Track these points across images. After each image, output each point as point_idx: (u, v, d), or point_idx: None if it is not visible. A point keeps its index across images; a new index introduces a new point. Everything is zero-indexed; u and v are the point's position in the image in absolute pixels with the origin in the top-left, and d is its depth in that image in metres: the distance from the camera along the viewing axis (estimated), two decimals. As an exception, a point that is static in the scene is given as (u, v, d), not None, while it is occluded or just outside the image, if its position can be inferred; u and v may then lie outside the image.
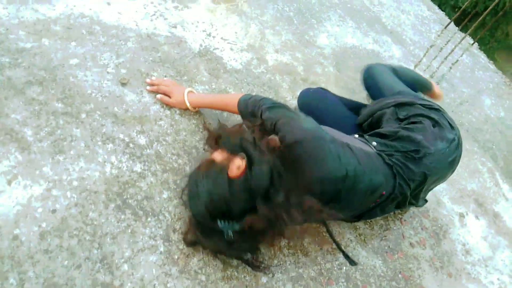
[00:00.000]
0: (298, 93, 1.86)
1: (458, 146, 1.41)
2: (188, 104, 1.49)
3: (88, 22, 1.66)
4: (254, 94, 1.41)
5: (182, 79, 1.65)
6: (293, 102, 1.82)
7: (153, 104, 1.50)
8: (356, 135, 1.41)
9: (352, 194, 1.19)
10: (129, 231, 1.17)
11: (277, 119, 1.21)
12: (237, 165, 1.11)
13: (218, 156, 1.19)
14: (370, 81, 1.73)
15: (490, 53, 4.93)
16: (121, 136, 1.36)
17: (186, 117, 1.52)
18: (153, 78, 1.57)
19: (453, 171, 1.45)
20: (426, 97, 1.68)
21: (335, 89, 2.01)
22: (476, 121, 2.32)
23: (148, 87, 1.53)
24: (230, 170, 1.12)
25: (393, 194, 1.29)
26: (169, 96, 1.51)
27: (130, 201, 1.23)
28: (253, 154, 1.13)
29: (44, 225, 1.09)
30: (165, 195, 1.28)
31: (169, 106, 1.51)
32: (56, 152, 1.23)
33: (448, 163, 1.39)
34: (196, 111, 1.53)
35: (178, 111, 1.52)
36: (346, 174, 1.15)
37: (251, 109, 1.31)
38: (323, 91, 1.67)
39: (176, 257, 1.17)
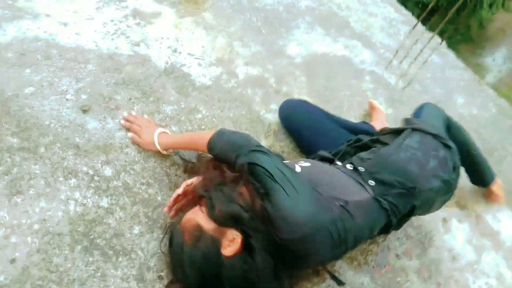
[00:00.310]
0: (271, 106, 1.81)
1: (451, 189, 1.38)
2: (157, 146, 1.35)
3: (43, 46, 1.55)
4: (229, 130, 1.24)
5: (148, 100, 1.56)
6: (266, 116, 1.76)
7: (117, 131, 1.41)
8: (349, 166, 1.32)
9: (351, 249, 1.21)
10: (99, 274, 1.07)
11: (264, 191, 1.04)
12: (231, 240, 1.02)
13: (206, 224, 1.05)
14: (416, 111, 1.70)
15: (454, 46, 5.02)
16: (85, 169, 1.26)
17: (155, 141, 1.43)
18: (133, 112, 1.47)
19: (442, 205, 1.43)
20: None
21: (308, 99, 1.96)
22: (451, 121, 2.33)
23: (122, 121, 1.42)
24: (223, 248, 1.01)
25: (383, 229, 1.26)
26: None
27: (98, 240, 1.13)
28: (249, 228, 1.03)
29: (2, 278, 0.99)
30: (136, 231, 1.19)
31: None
32: (13, 193, 1.13)
33: (439, 202, 1.38)
34: (168, 154, 1.40)
35: (146, 136, 1.43)
36: (346, 248, 1.14)
37: (223, 156, 1.18)
38: (305, 103, 1.65)
39: (152, 299, 1.08)
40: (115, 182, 1.27)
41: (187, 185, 1.20)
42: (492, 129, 2.43)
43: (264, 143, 1.65)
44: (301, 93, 1.98)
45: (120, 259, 1.12)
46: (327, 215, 1.06)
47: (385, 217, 1.21)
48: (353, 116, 2.01)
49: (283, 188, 1.01)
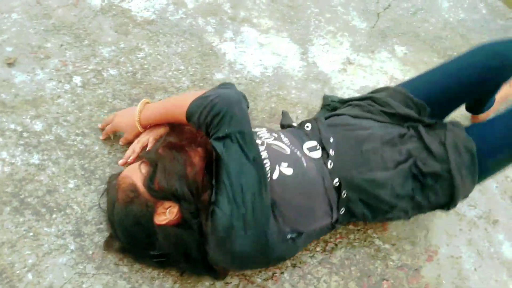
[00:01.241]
0: (226, 35, 1.65)
1: None
2: (138, 126, 1.14)
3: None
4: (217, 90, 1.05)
5: (83, 44, 1.43)
6: (220, 47, 1.61)
7: (48, 81, 1.30)
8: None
9: None
10: (31, 234, 1.02)
11: (214, 197, 0.92)
12: (166, 208, 0.93)
13: (143, 186, 0.94)
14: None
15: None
16: (12, 126, 1.18)
17: (90, 87, 1.33)
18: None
19: None
20: None
21: (270, 22, 1.79)
22: (434, 28, 2.11)
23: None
24: (157, 215, 0.93)
25: None
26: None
27: (29, 199, 1.07)
28: (185, 210, 0.93)
29: None
30: (71, 185, 1.12)
31: (130, 141, 1.19)
32: None
33: None
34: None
35: (79, 83, 1.32)
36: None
37: (203, 123, 0.99)
38: None
39: (90, 252, 1.03)
40: (46, 137, 1.18)
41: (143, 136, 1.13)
42: (481, 32, 2.22)
43: (218, 76, 1.52)
44: (261, 17, 1.80)
45: (54, 216, 1.06)
46: (267, 252, 0.95)
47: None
48: (321, 36, 1.84)
49: (232, 210, 0.88)
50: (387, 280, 1.19)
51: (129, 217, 0.94)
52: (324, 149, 1.09)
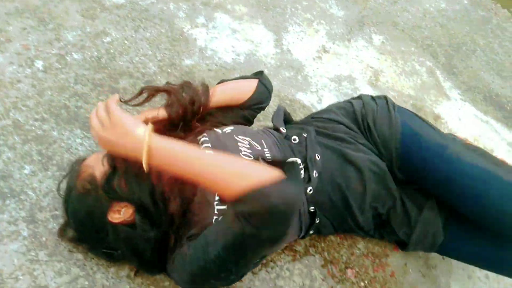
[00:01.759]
0: (198, 21, 1.62)
1: None
2: (143, 159, 0.77)
3: None
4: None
5: (47, 28, 1.39)
6: (191, 33, 1.57)
7: (8, 65, 1.26)
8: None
9: None
10: (-19, 220, 0.99)
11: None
12: (121, 210, 0.89)
13: (102, 180, 0.88)
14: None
15: None
16: (-33, 111, 1.14)
17: (52, 72, 1.29)
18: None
19: None
20: None
21: (245, 9, 1.76)
22: (413, 18, 2.10)
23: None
24: (111, 212, 0.89)
25: None
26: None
27: (-19, 186, 1.04)
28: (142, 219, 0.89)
29: None
30: (26, 170, 1.09)
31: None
32: None
33: None
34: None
35: (41, 67, 1.29)
36: None
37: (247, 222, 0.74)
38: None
39: (44, 239, 1.00)
40: (3, 121, 1.15)
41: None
42: (462, 23, 2.21)
43: (188, 62, 1.49)
44: (235, 3, 1.77)
45: (7, 202, 1.03)
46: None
47: None
48: (297, 23, 1.81)
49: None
50: (351, 268, 1.18)
51: (83, 207, 0.91)
52: (306, 170, 1.02)
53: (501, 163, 1.04)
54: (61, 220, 1.03)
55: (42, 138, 1.15)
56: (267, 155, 1.00)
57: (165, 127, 1.02)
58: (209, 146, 0.98)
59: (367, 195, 1.05)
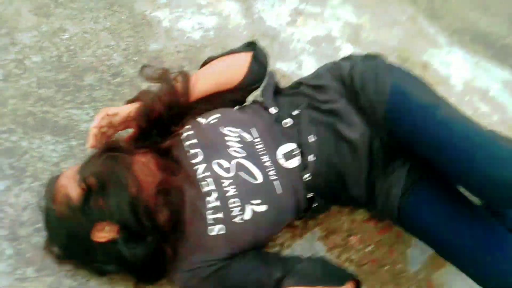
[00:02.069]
0: (159, 1, 1.52)
1: None
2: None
3: None
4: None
5: (0, 33, 1.30)
6: (155, 15, 1.48)
7: (-37, 79, 1.18)
8: None
9: None
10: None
11: None
12: (105, 229, 0.84)
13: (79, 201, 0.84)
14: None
15: None
16: None
17: (12, 79, 1.22)
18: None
19: None
20: None
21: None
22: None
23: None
24: (95, 231, 0.84)
25: None
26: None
27: (-46, 210, 0.98)
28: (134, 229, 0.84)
29: None
30: (1, 186, 1.03)
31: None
32: None
33: None
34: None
35: (1, 76, 1.21)
36: None
37: None
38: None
39: (29, 255, 0.96)
40: (-33, 139, 1.09)
41: (107, 114, 0.93)
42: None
43: (154, 47, 1.41)
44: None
45: (-16, 223, 0.98)
46: None
47: None
48: None
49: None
50: (355, 235, 1.14)
51: (64, 231, 0.87)
52: (302, 156, 0.96)
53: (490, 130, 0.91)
54: (45, 233, 0.98)
55: (11, 151, 1.09)
56: (259, 147, 0.93)
57: (137, 138, 0.96)
58: (194, 143, 0.92)
59: (362, 171, 0.98)
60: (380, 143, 0.98)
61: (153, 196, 0.85)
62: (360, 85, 0.98)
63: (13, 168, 1.07)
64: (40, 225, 0.99)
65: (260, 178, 0.90)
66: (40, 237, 0.98)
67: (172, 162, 0.91)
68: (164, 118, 0.94)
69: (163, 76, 0.96)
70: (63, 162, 1.10)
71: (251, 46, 1.07)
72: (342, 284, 0.88)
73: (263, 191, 0.90)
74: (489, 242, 0.87)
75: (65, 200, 0.85)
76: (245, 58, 1.03)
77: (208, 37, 1.49)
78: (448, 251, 0.94)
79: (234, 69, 1.03)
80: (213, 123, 0.95)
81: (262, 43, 1.52)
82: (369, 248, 1.11)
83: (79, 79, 1.25)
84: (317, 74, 1.10)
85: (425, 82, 1.02)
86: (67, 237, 0.87)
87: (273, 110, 1.01)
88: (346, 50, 1.64)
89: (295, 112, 1.00)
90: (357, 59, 1.06)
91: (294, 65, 1.52)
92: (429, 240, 0.97)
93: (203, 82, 0.99)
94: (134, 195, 0.82)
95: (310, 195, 0.98)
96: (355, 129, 0.96)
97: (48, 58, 1.28)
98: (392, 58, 1.62)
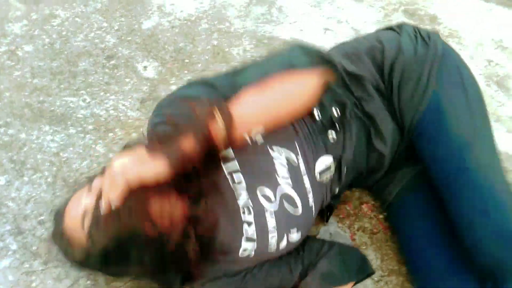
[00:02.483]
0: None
1: None
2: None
3: None
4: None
5: (-10, 25, 1.28)
6: (146, -9, 1.42)
7: (-42, 75, 1.17)
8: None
9: None
10: (-34, 243, 0.94)
11: None
12: None
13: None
14: None
15: None
16: None
17: (6, 71, 1.19)
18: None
19: None
20: None
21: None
22: None
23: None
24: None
25: None
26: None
27: (-44, 208, 0.98)
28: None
29: None
30: (1, 181, 1.02)
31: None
32: None
33: None
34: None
35: (-7, 70, 1.19)
36: None
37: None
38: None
39: (35, 248, 0.95)
40: (-35, 136, 1.08)
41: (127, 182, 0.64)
42: None
43: (148, 24, 1.35)
44: None
45: (-12, 219, 0.97)
46: None
47: None
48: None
49: None
50: (366, 203, 1.08)
51: (87, 268, 0.82)
52: (337, 170, 0.85)
53: None
54: (49, 225, 0.97)
55: (10, 144, 1.08)
56: (302, 168, 0.79)
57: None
58: (236, 169, 0.75)
59: (382, 170, 0.92)
60: (404, 148, 0.90)
61: (181, 232, 0.69)
62: (398, 82, 0.84)
63: (13, 161, 1.05)
64: (44, 217, 0.98)
65: (300, 207, 0.79)
66: (45, 230, 0.97)
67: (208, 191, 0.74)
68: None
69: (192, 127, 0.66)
70: (63, 151, 1.08)
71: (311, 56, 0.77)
72: (360, 280, 0.86)
73: (302, 220, 0.81)
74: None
75: (79, 249, 0.72)
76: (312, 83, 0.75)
77: (202, 8, 1.42)
78: (411, 266, 0.93)
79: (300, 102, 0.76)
80: (259, 144, 0.77)
81: (260, 10, 1.45)
82: (382, 215, 1.05)
83: (74, 65, 1.22)
84: (357, 54, 0.88)
85: (474, 93, 0.85)
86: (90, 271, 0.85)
87: (315, 112, 0.82)
88: (349, 9, 1.53)
89: (339, 118, 0.84)
90: (406, 36, 0.88)
91: (296, 30, 1.43)
92: (401, 246, 0.96)
93: (250, 125, 0.71)
94: (157, 246, 0.68)
95: (337, 192, 0.92)
96: (386, 141, 0.86)
97: (41, 46, 1.25)
98: (398, 14, 1.52)
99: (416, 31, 0.90)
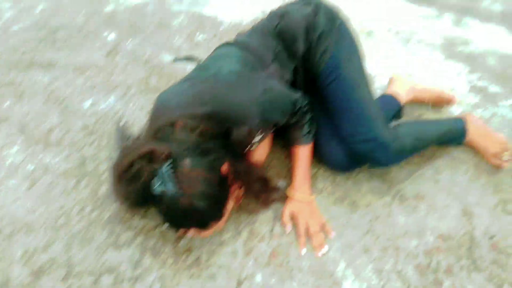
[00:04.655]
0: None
1: None
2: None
3: None
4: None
5: (-14, 14, 1.70)
6: (104, -10, 1.90)
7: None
8: None
9: None
10: None
11: None
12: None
13: None
14: None
15: None
16: None
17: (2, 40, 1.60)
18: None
19: None
20: None
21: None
22: None
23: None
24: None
25: None
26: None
27: None
28: None
29: None
30: (7, 103, 1.40)
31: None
32: None
33: None
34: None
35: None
36: None
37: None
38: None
39: (36, 138, 1.29)
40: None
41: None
42: None
43: (107, 9, 1.83)
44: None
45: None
46: None
47: None
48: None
49: None
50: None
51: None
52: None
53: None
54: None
55: (12, 83, 1.47)
56: None
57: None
58: None
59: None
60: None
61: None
62: (314, 48, 1.21)
63: (16, 91, 1.44)
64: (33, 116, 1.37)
65: None
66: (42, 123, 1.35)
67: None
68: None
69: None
70: (52, 83, 1.48)
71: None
72: None
73: None
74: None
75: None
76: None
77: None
78: None
79: None
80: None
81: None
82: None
83: (54, 34, 1.66)
84: (293, 35, 1.23)
85: (358, 53, 1.25)
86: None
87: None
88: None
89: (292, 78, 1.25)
90: (321, 19, 1.23)
91: (218, 10, 1.96)
92: None
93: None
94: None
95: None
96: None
97: (28, 25, 1.69)
98: None
99: (328, 11, 1.26)
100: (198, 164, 0.90)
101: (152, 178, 0.86)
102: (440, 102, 1.48)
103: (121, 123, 1.24)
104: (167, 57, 1.63)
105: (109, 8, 1.84)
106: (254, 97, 1.00)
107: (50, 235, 1.05)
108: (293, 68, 1.22)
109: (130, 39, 1.70)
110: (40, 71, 1.52)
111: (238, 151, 1.03)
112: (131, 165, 0.88)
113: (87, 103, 1.41)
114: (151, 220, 1.10)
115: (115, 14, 1.82)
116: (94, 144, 1.25)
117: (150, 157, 0.88)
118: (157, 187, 0.86)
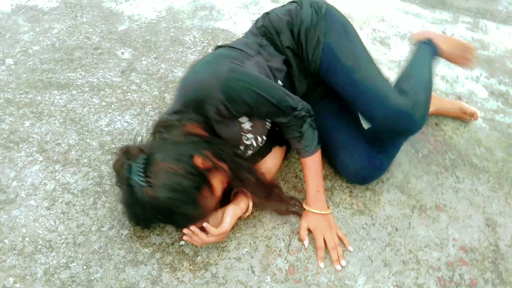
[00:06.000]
0: (119, 0, 1.98)
1: None
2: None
3: None
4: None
5: (5, 37, 1.75)
6: (118, 8, 1.95)
7: (-14, 68, 1.61)
8: None
9: None
10: (7, 160, 1.33)
11: None
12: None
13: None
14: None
15: None
16: (-32, 102, 1.49)
17: (21, 62, 1.65)
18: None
19: None
20: None
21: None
22: None
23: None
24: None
25: None
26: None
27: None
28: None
29: None
30: (27, 124, 1.44)
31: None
32: None
33: None
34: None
35: (12, 63, 1.64)
36: None
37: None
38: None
39: (55, 158, 1.35)
40: (-3, 102, 1.50)
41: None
42: None
43: (122, 28, 1.86)
44: (147, -20, 2.16)
45: (20, 145, 1.36)
46: None
47: None
48: (201, -21, 2.20)
49: None
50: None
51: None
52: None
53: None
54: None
55: (30, 103, 1.51)
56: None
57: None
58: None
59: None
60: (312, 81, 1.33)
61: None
62: (305, 43, 1.25)
63: (33, 112, 1.48)
64: (59, 141, 1.39)
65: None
66: (56, 145, 1.38)
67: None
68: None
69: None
70: (68, 104, 1.51)
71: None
72: None
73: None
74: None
75: None
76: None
77: (161, 15, 1.95)
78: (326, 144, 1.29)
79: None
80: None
81: (203, 13, 2.00)
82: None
83: (70, 55, 1.69)
84: (278, 30, 1.28)
85: (354, 35, 1.27)
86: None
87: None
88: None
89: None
90: (306, 10, 1.26)
91: (230, 23, 1.98)
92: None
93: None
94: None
95: None
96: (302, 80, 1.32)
97: (45, 46, 1.73)
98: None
99: (313, 2, 1.29)
100: (166, 156, 0.95)
101: (129, 172, 0.95)
102: (462, 117, 1.46)
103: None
104: (181, 73, 1.65)
105: (123, 26, 1.87)
106: (215, 72, 1.03)
107: (70, 253, 1.07)
108: (283, 59, 1.24)
109: (144, 57, 1.72)
110: (57, 91, 1.55)
111: (233, 147, 1.10)
112: (118, 163, 1.01)
113: (103, 122, 1.43)
114: (168, 236, 1.12)
115: (129, 31, 1.85)
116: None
117: (127, 154, 0.99)
118: (129, 179, 0.94)
